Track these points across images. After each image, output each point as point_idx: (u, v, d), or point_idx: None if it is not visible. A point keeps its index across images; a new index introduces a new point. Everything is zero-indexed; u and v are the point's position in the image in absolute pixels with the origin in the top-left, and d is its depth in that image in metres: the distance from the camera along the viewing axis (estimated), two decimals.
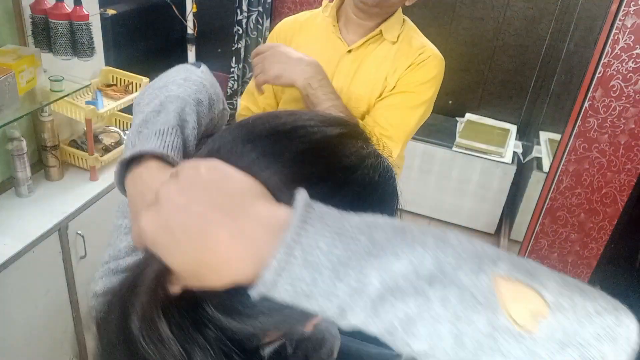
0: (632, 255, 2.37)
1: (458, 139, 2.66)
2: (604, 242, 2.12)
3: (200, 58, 2.72)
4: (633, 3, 1.70)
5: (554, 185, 2.09)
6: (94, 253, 1.64)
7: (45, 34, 1.56)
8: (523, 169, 2.73)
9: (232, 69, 2.69)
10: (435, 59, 1.23)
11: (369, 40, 1.24)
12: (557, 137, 2.20)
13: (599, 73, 1.82)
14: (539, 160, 2.59)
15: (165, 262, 0.38)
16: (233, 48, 2.65)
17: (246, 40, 2.68)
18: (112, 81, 1.92)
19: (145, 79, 1.88)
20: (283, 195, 0.37)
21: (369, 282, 0.33)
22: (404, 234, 0.35)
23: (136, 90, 1.89)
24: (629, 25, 1.73)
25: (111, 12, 2.08)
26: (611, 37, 1.76)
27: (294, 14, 1.39)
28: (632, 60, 1.78)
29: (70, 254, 1.59)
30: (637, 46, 1.76)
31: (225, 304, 0.43)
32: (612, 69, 1.81)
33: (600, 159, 1.97)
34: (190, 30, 2.65)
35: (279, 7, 2.74)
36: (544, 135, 2.72)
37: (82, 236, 1.60)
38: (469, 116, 2.91)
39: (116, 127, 1.97)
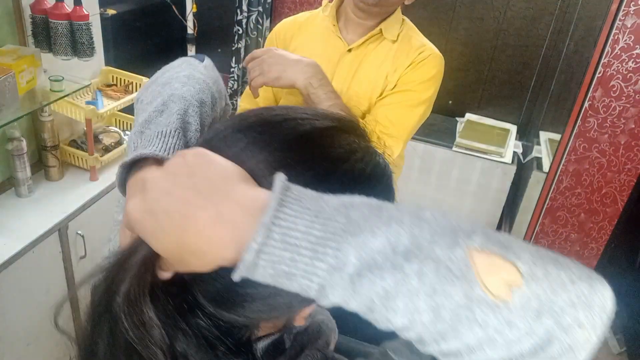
0: (632, 255, 2.37)
1: (458, 139, 2.66)
2: (604, 242, 2.12)
3: None
4: (633, 3, 1.70)
5: (554, 185, 2.09)
6: (94, 253, 1.64)
7: (45, 34, 1.56)
8: (523, 169, 2.73)
9: (232, 69, 2.69)
10: (435, 58, 1.23)
11: (369, 39, 1.24)
12: (557, 137, 2.20)
13: (599, 73, 1.82)
14: (539, 160, 2.59)
15: (150, 245, 0.38)
16: (233, 48, 2.65)
17: (246, 40, 2.68)
18: (112, 81, 1.92)
19: (145, 79, 1.89)
20: (267, 182, 0.38)
21: (347, 259, 0.34)
22: (380, 212, 0.36)
23: (136, 90, 1.89)
24: (629, 25, 1.73)
25: (111, 12, 2.09)
26: (611, 37, 1.76)
27: (294, 14, 1.39)
28: (632, 60, 1.78)
29: (70, 254, 1.59)
30: (637, 46, 1.75)
31: (212, 291, 0.43)
32: (612, 69, 1.81)
33: (600, 159, 1.97)
34: (190, 30, 2.65)
35: (279, 7, 2.74)
36: (544, 135, 2.71)
37: (82, 236, 1.60)
38: (468, 116, 2.90)
39: (116, 127, 1.97)
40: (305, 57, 1.13)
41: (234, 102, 2.75)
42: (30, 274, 1.46)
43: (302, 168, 0.42)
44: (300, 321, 0.48)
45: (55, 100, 1.59)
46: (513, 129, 2.85)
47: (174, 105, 0.59)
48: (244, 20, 2.61)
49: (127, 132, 1.95)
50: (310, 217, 0.35)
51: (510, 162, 2.61)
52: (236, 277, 0.36)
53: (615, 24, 1.74)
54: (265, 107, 0.50)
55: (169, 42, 2.68)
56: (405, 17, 1.28)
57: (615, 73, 1.81)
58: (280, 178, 0.37)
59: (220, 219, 0.36)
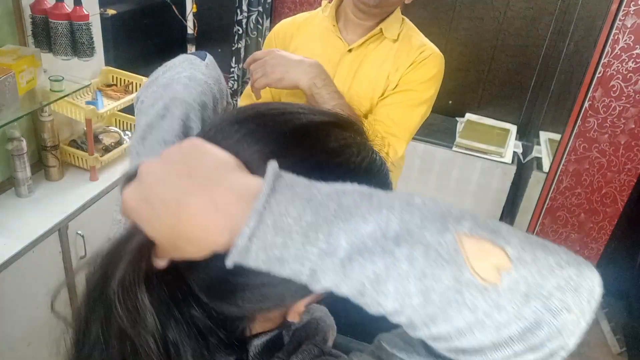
0: (632, 255, 2.37)
1: (458, 139, 2.66)
2: (604, 242, 2.12)
3: None
4: (633, 3, 1.70)
5: (554, 185, 2.09)
6: None
7: (45, 34, 1.56)
8: (523, 169, 2.73)
9: (232, 69, 2.69)
10: (436, 57, 1.24)
11: (369, 39, 1.24)
12: (557, 137, 2.20)
13: (599, 73, 1.82)
14: (539, 160, 2.59)
15: (145, 232, 0.39)
16: (233, 48, 2.65)
17: (246, 40, 2.68)
18: (112, 81, 1.92)
19: (145, 79, 1.88)
20: (261, 172, 0.38)
21: (338, 244, 0.34)
22: (371, 199, 0.36)
23: (136, 90, 1.89)
24: (629, 25, 1.73)
25: (111, 12, 2.09)
26: (611, 37, 1.76)
27: (294, 14, 1.39)
28: (632, 60, 1.78)
29: (70, 254, 1.59)
30: (637, 46, 1.75)
31: (205, 279, 0.44)
32: (612, 69, 1.81)
33: (600, 159, 1.97)
34: (190, 30, 2.66)
35: (279, 7, 2.74)
36: (544, 135, 2.71)
37: (82, 236, 1.60)
38: (468, 116, 2.90)
39: (116, 127, 1.97)
40: (306, 57, 1.13)
41: (234, 102, 2.75)
42: (30, 274, 1.46)
43: (296, 159, 0.42)
44: (294, 316, 0.48)
45: (55, 100, 1.59)
46: (513, 129, 2.85)
47: (175, 110, 0.59)
48: (244, 20, 2.61)
49: (127, 132, 1.95)
50: (302, 203, 0.35)
51: (510, 162, 2.61)
52: (229, 262, 0.36)
53: (615, 24, 1.74)
54: (265, 102, 0.50)
55: (169, 42, 2.68)
56: (404, 17, 1.28)
57: (615, 73, 1.81)
58: (272, 166, 0.37)
59: (214, 206, 0.36)
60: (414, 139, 1.37)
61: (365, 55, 1.25)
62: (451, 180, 2.75)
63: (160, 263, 0.41)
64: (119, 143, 1.87)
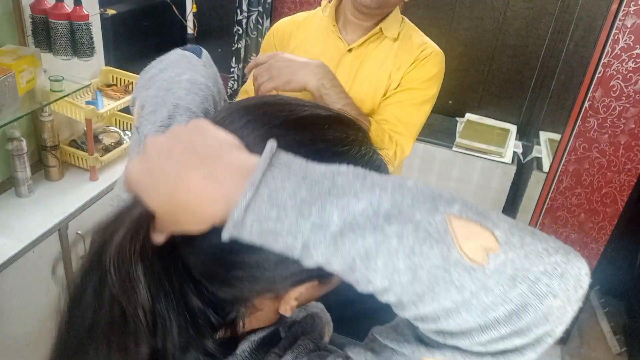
0: (632, 255, 2.37)
1: (458, 139, 2.66)
2: (604, 242, 2.12)
3: None
4: (633, 3, 1.70)
5: (554, 185, 2.09)
6: None
7: (45, 34, 1.56)
8: (523, 169, 2.73)
9: (232, 69, 2.69)
10: (437, 55, 1.24)
11: (369, 38, 1.24)
12: (557, 137, 2.20)
13: (599, 73, 1.82)
14: (539, 160, 2.59)
15: (145, 202, 0.40)
16: (233, 48, 2.65)
17: (246, 40, 2.68)
18: (112, 81, 1.92)
19: None
20: (260, 153, 0.39)
21: (331, 219, 0.35)
22: (364, 179, 0.37)
23: None
24: (629, 25, 1.73)
25: (111, 12, 2.08)
26: (611, 37, 1.76)
27: (294, 14, 1.39)
28: (632, 60, 1.78)
29: (70, 254, 1.59)
30: (637, 46, 1.75)
31: (199, 255, 0.45)
32: (612, 69, 1.81)
33: (600, 159, 1.97)
34: (190, 30, 2.66)
35: (279, 7, 2.74)
36: (544, 135, 2.71)
37: (82, 236, 1.60)
38: (468, 116, 2.90)
39: (116, 127, 1.97)
40: (308, 58, 1.13)
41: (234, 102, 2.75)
42: (30, 274, 1.46)
43: (296, 144, 0.43)
44: (285, 309, 0.49)
45: (55, 100, 1.59)
46: (513, 129, 2.85)
47: (180, 119, 0.59)
48: (244, 20, 2.61)
49: (127, 132, 1.95)
50: (298, 179, 0.36)
51: (510, 162, 2.61)
52: (225, 235, 0.37)
53: (615, 24, 1.74)
54: (271, 94, 0.52)
55: (169, 42, 2.68)
56: (404, 16, 1.28)
57: (615, 73, 1.81)
58: (271, 144, 0.38)
59: (212, 178, 0.37)
60: None
61: (366, 54, 1.25)
62: (451, 180, 2.75)
63: (158, 238, 0.42)
64: (119, 143, 1.87)
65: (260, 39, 2.70)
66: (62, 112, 1.69)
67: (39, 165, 1.69)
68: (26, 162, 1.55)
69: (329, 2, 1.30)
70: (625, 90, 1.83)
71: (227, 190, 0.37)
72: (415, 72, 1.22)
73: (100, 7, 1.85)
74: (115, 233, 0.42)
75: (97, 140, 1.81)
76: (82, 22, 1.56)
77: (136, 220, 0.42)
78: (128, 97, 1.82)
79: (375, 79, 1.24)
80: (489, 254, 0.35)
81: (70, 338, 0.46)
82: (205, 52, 0.70)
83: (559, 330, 0.37)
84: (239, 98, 1.40)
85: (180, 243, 0.44)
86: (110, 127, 1.92)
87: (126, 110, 1.89)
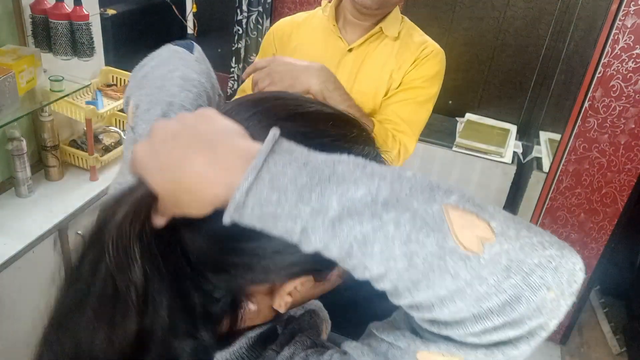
0: (632, 255, 2.37)
1: (458, 139, 2.66)
2: (604, 242, 2.12)
3: None
4: (633, 3, 1.70)
5: (554, 185, 2.09)
6: None
7: (45, 34, 1.56)
8: (523, 169, 2.73)
9: (232, 69, 2.69)
10: (438, 54, 1.25)
11: (369, 38, 1.24)
12: (557, 137, 2.20)
13: (599, 73, 1.82)
14: (539, 160, 2.59)
15: (149, 184, 0.41)
16: (233, 48, 2.65)
17: (246, 40, 2.68)
18: (112, 81, 1.92)
19: None
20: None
21: (330, 204, 0.36)
22: (364, 168, 0.38)
23: None
24: (629, 25, 1.73)
25: (111, 12, 2.08)
26: (611, 37, 1.76)
27: (294, 14, 1.39)
28: (632, 60, 1.78)
29: (70, 254, 1.59)
30: (637, 46, 1.75)
31: (198, 237, 0.45)
32: (612, 69, 1.81)
33: (600, 159, 1.97)
34: (190, 30, 2.66)
35: (279, 7, 2.74)
36: (544, 135, 2.71)
37: (82, 236, 1.60)
38: (468, 116, 2.90)
39: (116, 127, 1.97)
40: (306, 58, 1.13)
41: None
42: (30, 274, 1.46)
43: (301, 138, 0.43)
44: (279, 304, 0.49)
45: (55, 100, 1.59)
46: (513, 129, 2.85)
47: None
48: (244, 20, 2.61)
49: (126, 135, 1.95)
50: (299, 166, 0.37)
51: (510, 162, 2.61)
52: (226, 217, 0.38)
53: (615, 24, 1.74)
54: (280, 90, 0.53)
55: (169, 42, 2.68)
56: (403, 16, 1.29)
57: (615, 73, 1.81)
58: (274, 131, 0.39)
59: (216, 162, 0.38)
60: None
61: (367, 54, 1.25)
62: (451, 180, 2.75)
63: (159, 220, 0.43)
64: (119, 143, 1.87)
65: (260, 39, 2.70)
66: (62, 112, 1.69)
67: (39, 165, 1.69)
68: (26, 162, 1.55)
69: (329, 2, 1.30)
70: (625, 90, 1.83)
71: (230, 174, 0.38)
72: (417, 70, 1.22)
73: (100, 7, 1.85)
74: (117, 211, 0.43)
75: (97, 140, 1.81)
76: (82, 22, 1.56)
77: (138, 201, 0.43)
78: None
79: (377, 78, 1.24)
80: (485, 244, 0.35)
81: (63, 308, 0.47)
82: (197, 47, 0.70)
83: (553, 324, 0.37)
84: (236, 97, 1.40)
85: (180, 226, 0.44)
86: (110, 127, 1.92)
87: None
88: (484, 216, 0.37)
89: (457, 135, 2.72)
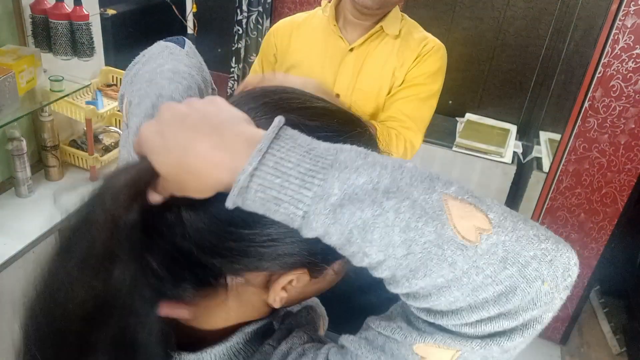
0: (632, 255, 2.37)
1: (458, 139, 2.66)
2: (604, 242, 2.12)
3: None
4: (633, 3, 1.70)
5: (554, 185, 2.09)
6: None
7: (45, 34, 1.56)
8: (523, 169, 2.73)
9: (232, 69, 2.69)
10: (439, 49, 1.25)
11: (370, 37, 1.24)
12: (557, 137, 2.20)
13: (599, 73, 1.82)
14: (539, 160, 2.59)
15: (153, 163, 0.41)
16: (233, 48, 2.65)
17: (246, 41, 2.68)
18: (112, 81, 1.92)
19: None
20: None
21: (331, 190, 0.37)
22: (366, 157, 0.39)
23: None
24: (629, 25, 1.73)
25: (111, 12, 2.08)
26: (611, 37, 1.76)
27: (294, 14, 1.39)
28: (632, 60, 1.78)
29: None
30: (637, 46, 1.75)
31: (198, 220, 0.44)
32: (612, 69, 1.81)
33: (600, 159, 1.97)
34: (190, 30, 2.66)
35: (279, 7, 2.74)
36: (544, 135, 2.71)
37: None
38: (468, 116, 2.90)
39: (116, 127, 1.97)
40: (307, 59, 1.13)
41: None
42: (30, 274, 1.46)
43: (305, 129, 0.43)
44: (274, 299, 0.48)
45: (55, 100, 1.59)
46: (513, 129, 2.85)
47: None
48: (244, 20, 2.61)
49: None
50: (302, 152, 0.38)
51: (510, 162, 2.61)
52: (229, 200, 0.38)
53: (615, 24, 1.74)
54: (287, 86, 0.53)
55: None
56: (403, 14, 1.29)
57: (615, 73, 1.81)
58: (279, 118, 0.40)
59: (221, 145, 0.39)
60: None
61: (368, 53, 1.25)
62: None
63: (156, 197, 0.43)
64: (119, 143, 1.87)
65: (260, 39, 2.70)
66: (62, 112, 1.69)
67: (39, 165, 1.69)
68: (26, 162, 1.55)
69: (329, 2, 1.30)
70: (625, 90, 1.83)
71: (235, 157, 0.38)
72: (419, 67, 1.23)
73: (100, 7, 1.85)
74: (116, 181, 0.43)
75: (97, 140, 1.81)
76: (82, 22, 1.56)
77: (137, 173, 0.43)
78: None
79: (379, 76, 1.24)
80: (482, 234, 0.36)
81: (53, 261, 0.48)
82: (188, 42, 0.70)
83: (547, 317, 0.38)
84: (250, 74, 1.40)
85: (183, 204, 0.44)
86: (110, 127, 1.92)
87: None
88: (482, 207, 0.37)
89: (457, 135, 2.72)
